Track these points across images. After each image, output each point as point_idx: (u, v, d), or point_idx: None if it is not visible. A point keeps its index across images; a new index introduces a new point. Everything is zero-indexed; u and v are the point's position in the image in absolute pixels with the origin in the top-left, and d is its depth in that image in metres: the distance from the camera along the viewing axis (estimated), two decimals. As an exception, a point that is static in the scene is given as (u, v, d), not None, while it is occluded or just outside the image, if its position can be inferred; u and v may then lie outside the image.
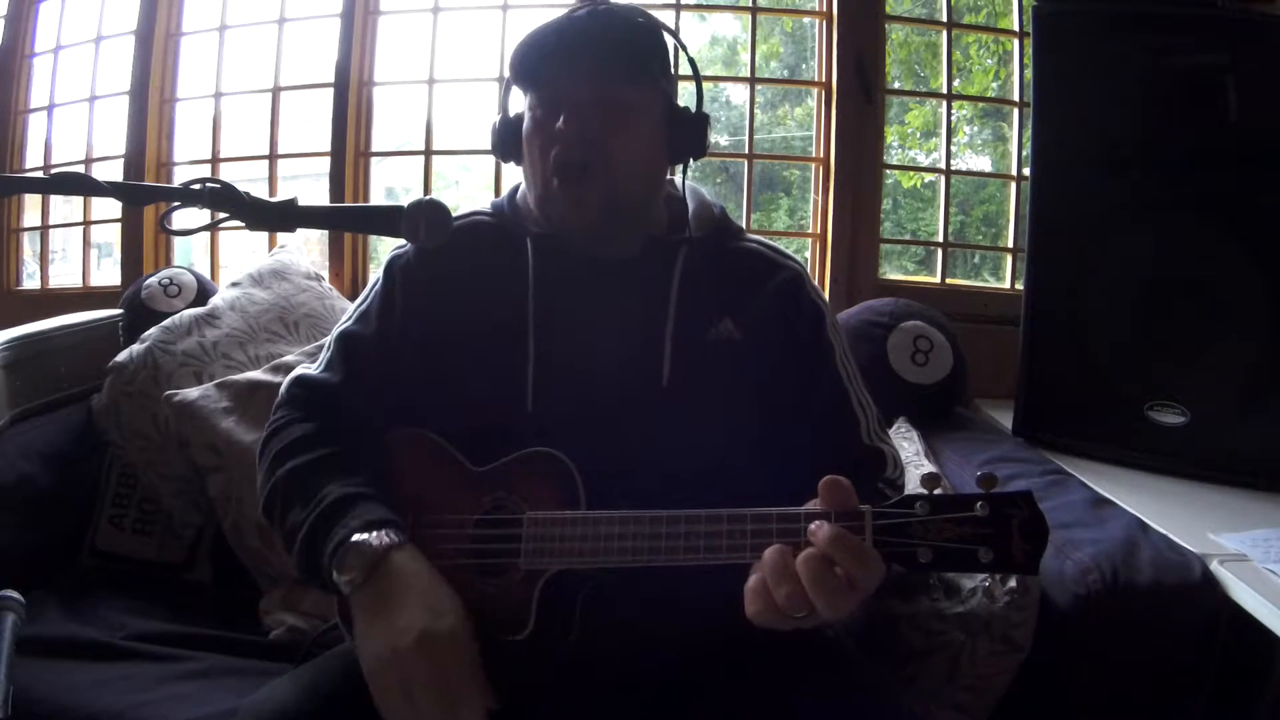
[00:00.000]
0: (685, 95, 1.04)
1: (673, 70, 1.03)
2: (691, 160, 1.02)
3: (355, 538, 0.83)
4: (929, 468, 1.40)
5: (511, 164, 1.02)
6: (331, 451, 0.94)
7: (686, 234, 1.01)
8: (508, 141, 1.00)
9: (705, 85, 1.06)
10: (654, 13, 1.02)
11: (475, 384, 0.96)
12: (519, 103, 1.01)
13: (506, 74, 1.00)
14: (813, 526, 0.72)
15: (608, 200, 0.94)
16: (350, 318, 1.05)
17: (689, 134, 0.99)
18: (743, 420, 0.96)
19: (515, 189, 1.08)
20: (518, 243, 1.00)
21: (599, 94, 0.93)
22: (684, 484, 0.85)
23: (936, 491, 0.73)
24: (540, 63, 0.95)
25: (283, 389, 1.03)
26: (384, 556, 0.83)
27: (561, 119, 0.92)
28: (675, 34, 1.04)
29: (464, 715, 0.79)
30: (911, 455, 1.44)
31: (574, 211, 0.94)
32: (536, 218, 1.02)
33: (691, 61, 1.05)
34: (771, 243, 1.07)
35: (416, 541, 0.89)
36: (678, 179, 1.06)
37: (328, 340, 1.05)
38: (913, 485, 1.20)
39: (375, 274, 1.06)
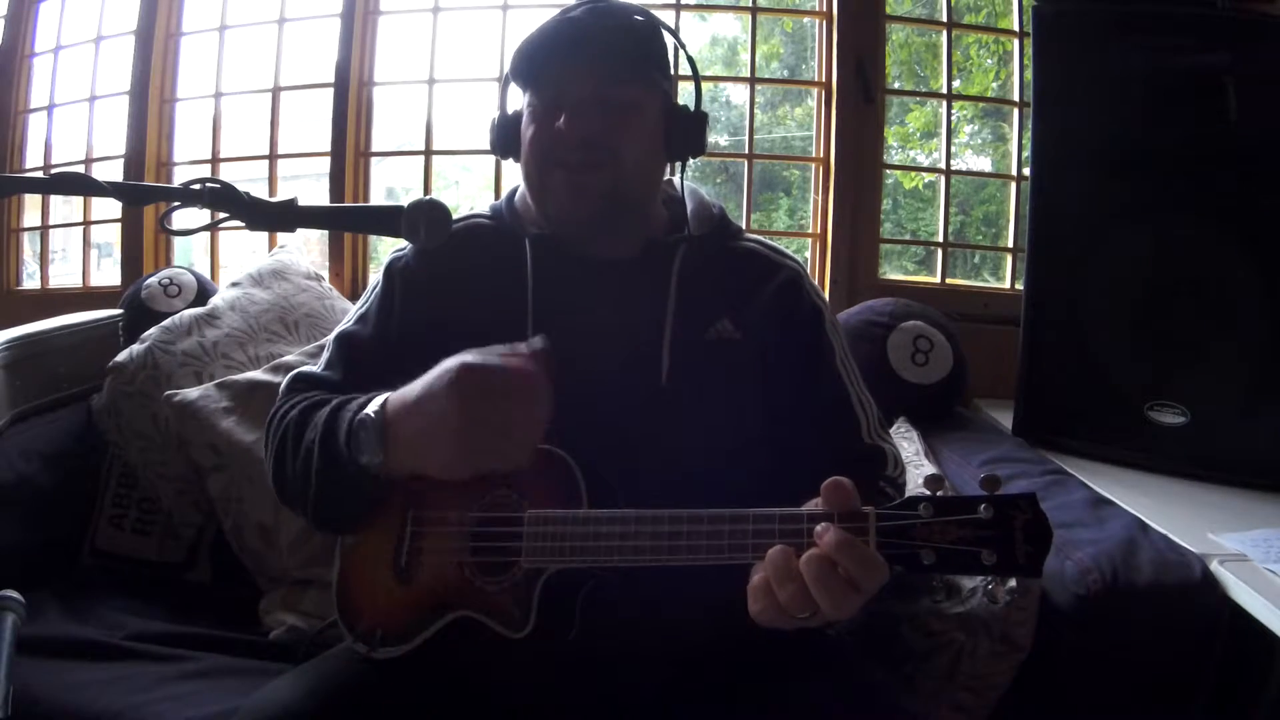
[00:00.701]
0: (685, 95, 1.04)
1: (672, 69, 1.03)
2: (691, 159, 1.02)
3: (359, 417, 0.84)
4: (929, 467, 1.40)
5: (511, 161, 1.02)
6: (329, 396, 0.94)
7: (685, 234, 1.01)
8: (507, 139, 1.00)
9: (705, 85, 1.06)
10: (654, 13, 1.02)
11: None
12: (517, 100, 1.01)
13: (507, 73, 1.00)
14: (818, 529, 0.72)
15: (608, 194, 0.94)
16: (350, 319, 1.05)
17: (688, 132, 1.00)
18: (743, 420, 0.96)
19: (514, 191, 1.08)
20: (516, 244, 1.01)
21: (599, 91, 0.94)
22: (685, 484, 0.85)
23: (940, 493, 0.73)
24: (541, 61, 0.95)
25: (283, 385, 1.03)
26: (384, 410, 0.83)
27: (563, 117, 0.93)
28: (674, 33, 1.04)
29: (536, 417, 0.79)
30: (911, 455, 1.44)
31: (574, 202, 0.95)
32: (535, 218, 1.02)
33: (691, 60, 1.05)
34: (771, 242, 1.07)
35: (415, 540, 0.89)
36: (676, 179, 1.06)
37: (328, 341, 1.06)
38: (914, 486, 1.20)
39: (375, 276, 1.06)
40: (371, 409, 0.84)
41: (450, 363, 0.80)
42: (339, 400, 0.90)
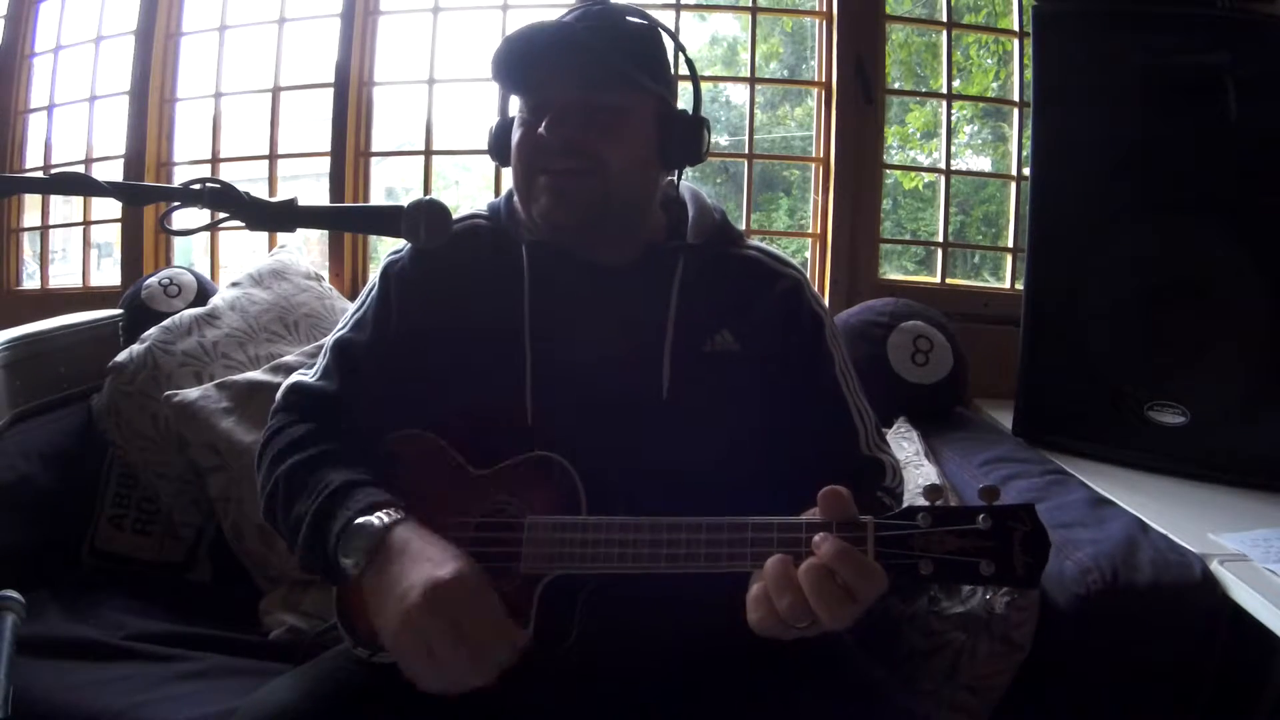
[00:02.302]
0: (686, 97, 1.03)
1: (671, 72, 1.02)
2: (689, 165, 1.01)
3: (357, 521, 0.83)
4: (929, 468, 1.40)
5: (508, 167, 1.02)
6: (331, 447, 0.94)
7: (685, 242, 1.01)
8: (502, 144, 1.00)
9: (705, 85, 1.05)
10: (654, 13, 1.00)
11: (472, 389, 0.96)
12: (516, 104, 1.01)
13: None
14: (817, 539, 0.71)
15: (595, 201, 0.93)
16: (345, 325, 1.04)
17: (684, 139, 0.98)
18: (742, 431, 0.96)
19: (512, 192, 1.07)
20: (513, 246, 1.00)
21: (584, 98, 0.92)
22: (684, 491, 0.85)
23: (939, 503, 0.73)
24: (524, 67, 0.94)
25: (279, 396, 1.02)
26: (385, 535, 0.82)
27: (544, 124, 0.92)
28: (674, 35, 1.03)
29: (489, 658, 0.77)
30: (911, 455, 1.44)
31: (557, 209, 0.93)
32: (528, 222, 1.01)
33: (690, 63, 1.04)
34: (772, 249, 1.06)
35: None
36: (680, 182, 1.06)
37: (324, 347, 1.05)
38: (913, 487, 1.20)
39: (370, 279, 1.06)
40: (376, 520, 0.83)
41: (438, 573, 0.78)
42: (343, 481, 0.88)
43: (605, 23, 0.96)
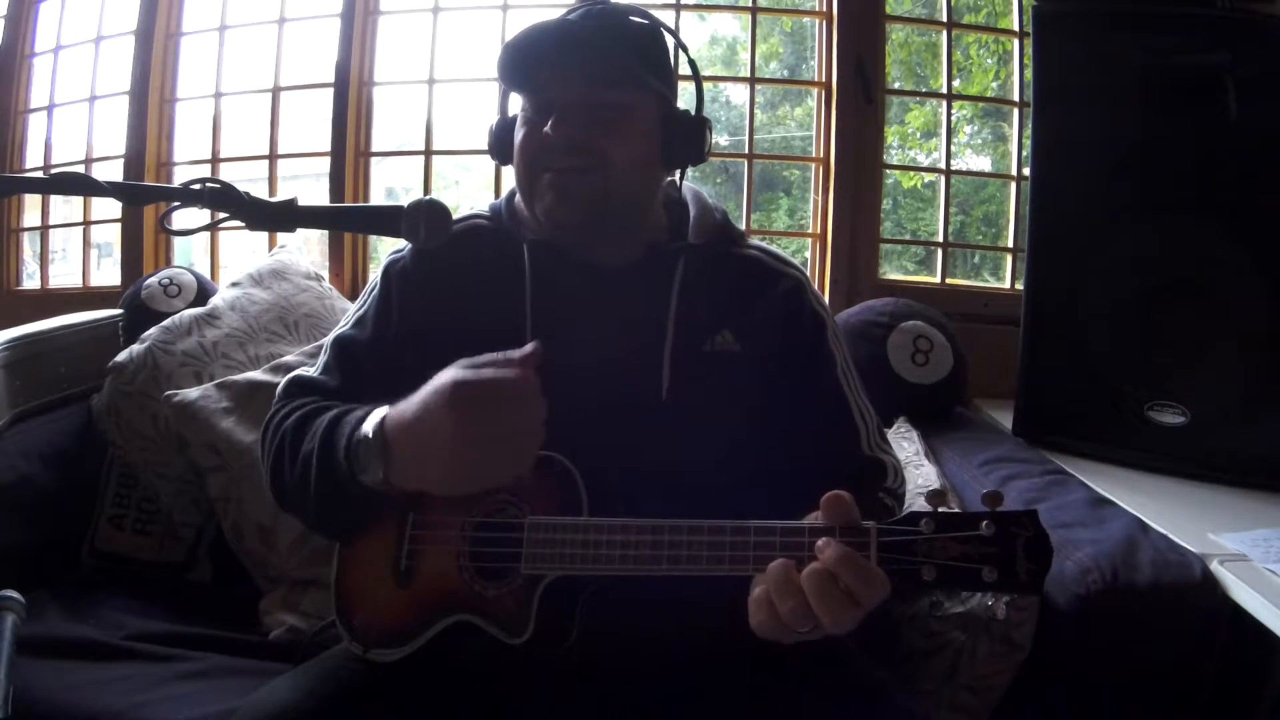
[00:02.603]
0: (687, 97, 1.03)
1: (673, 72, 1.02)
2: (691, 165, 1.01)
3: (357, 435, 0.83)
4: (929, 468, 1.40)
5: (509, 165, 1.02)
6: (327, 404, 0.94)
7: (687, 242, 1.01)
8: (502, 143, 1.00)
9: (705, 85, 1.05)
10: (654, 13, 1.01)
11: None
12: (517, 103, 1.01)
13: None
14: (820, 544, 0.71)
15: (597, 199, 0.93)
16: (347, 323, 1.04)
17: (686, 139, 0.98)
18: (742, 431, 0.96)
19: (513, 192, 1.07)
20: (515, 246, 1.00)
21: (588, 97, 0.92)
22: (684, 491, 0.85)
23: (942, 509, 0.73)
24: (529, 65, 0.94)
25: (279, 388, 1.02)
26: (383, 434, 0.82)
27: (550, 123, 0.92)
28: (677, 35, 1.03)
29: (536, 417, 0.78)
30: (911, 455, 1.44)
31: (561, 207, 0.94)
32: (530, 221, 1.01)
33: (692, 63, 1.04)
34: (773, 249, 1.06)
35: (416, 545, 0.89)
36: (678, 180, 1.06)
37: (324, 344, 1.05)
38: (912, 487, 1.20)
39: (372, 278, 1.06)
40: (369, 427, 0.83)
41: (443, 378, 0.80)
42: (336, 411, 0.89)
43: (609, 21, 0.96)
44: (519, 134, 0.96)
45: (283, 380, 1.04)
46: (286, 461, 0.91)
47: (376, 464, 0.81)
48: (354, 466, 0.83)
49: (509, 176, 1.01)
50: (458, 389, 0.78)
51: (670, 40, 1.02)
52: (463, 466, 0.78)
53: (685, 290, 0.97)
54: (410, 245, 1.03)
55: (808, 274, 1.05)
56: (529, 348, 0.80)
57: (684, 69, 1.06)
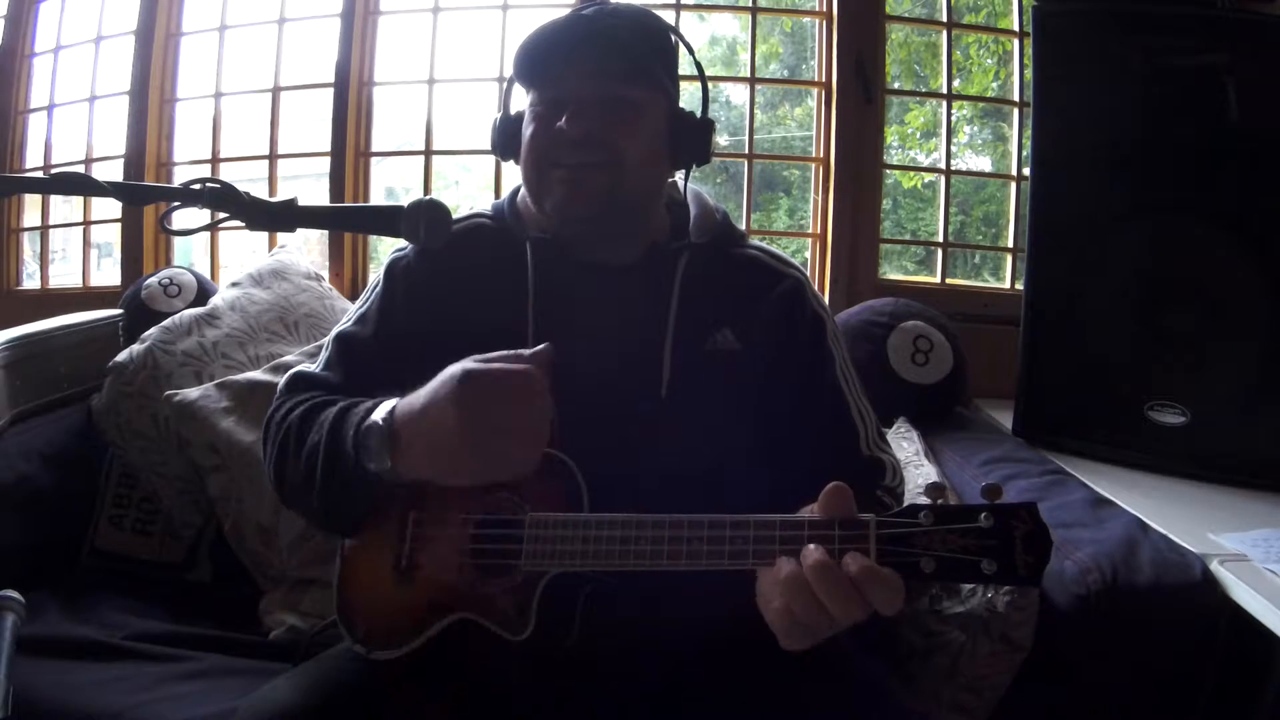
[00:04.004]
0: (690, 98, 1.03)
1: (678, 73, 1.03)
2: (695, 165, 1.02)
3: (366, 423, 0.83)
4: (929, 468, 1.40)
5: (511, 162, 1.02)
6: (331, 398, 0.94)
7: (688, 241, 1.01)
8: (508, 139, 1.00)
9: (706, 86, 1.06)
10: (654, 13, 1.01)
11: None
12: (520, 101, 1.01)
13: (508, 73, 1.00)
14: (846, 559, 0.70)
15: (606, 194, 0.93)
16: (350, 319, 1.04)
17: (692, 139, 0.99)
18: (742, 430, 0.96)
19: (515, 191, 1.07)
20: (518, 245, 1.00)
21: (603, 92, 0.93)
22: (684, 489, 0.85)
23: (940, 502, 0.73)
24: (546, 58, 0.94)
25: (282, 383, 1.02)
26: (391, 423, 0.82)
27: (565, 117, 0.92)
28: (683, 37, 1.03)
29: (543, 405, 0.79)
30: (911, 455, 1.44)
31: (572, 201, 0.94)
32: (536, 219, 1.01)
33: (699, 66, 1.05)
34: (774, 249, 1.06)
35: (416, 542, 0.89)
36: (680, 182, 1.06)
37: (326, 340, 1.05)
38: (913, 488, 1.20)
39: (375, 275, 1.06)
40: (379, 415, 0.83)
41: (453, 370, 0.80)
42: (344, 403, 0.89)
43: (626, 18, 0.97)
44: (528, 129, 0.97)
45: (284, 377, 1.04)
46: (291, 455, 0.91)
47: (384, 452, 0.82)
48: (361, 455, 0.83)
49: (509, 176, 1.01)
50: (468, 379, 0.79)
51: (675, 41, 1.03)
52: (469, 457, 0.79)
53: (686, 289, 0.98)
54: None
55: (807, 274, 1.05)
56: (541, 348, 0.81)
57: (685, 69, 1.06)
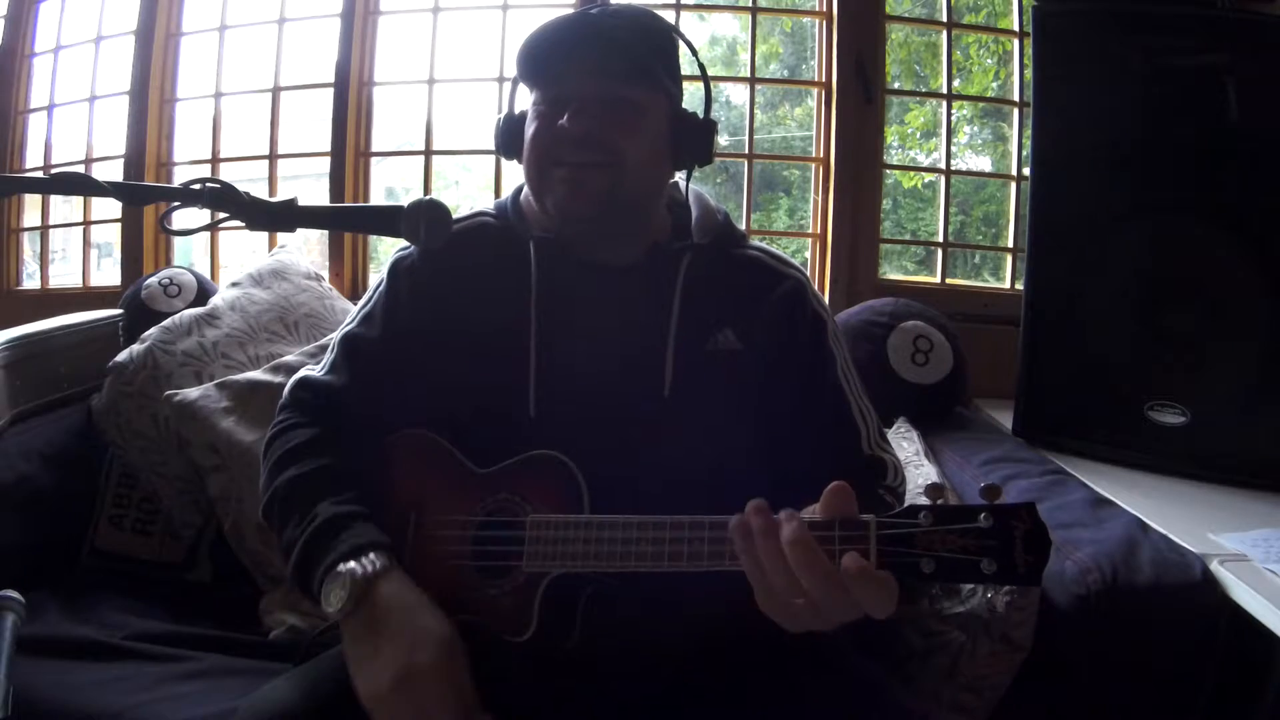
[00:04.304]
0: (692, 99, 1.04)
1: (679, 74, 1.03)
2: (697, 166, 1.02)
3: (340, 567, 0.83)
4: (929, 468, 1.40)
5: (514, 161, 1.02)
6: (330, 463, 0.93)
7: (690, 242, 1.01)
8: (511, 138, 1.00)
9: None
10: (655, 13, 1.01)
11: (477, 387, 0.96)
12: (524, 100, 1.01)
13: (508, 73, 1.00)
14: (846, 560, 0.70)
15: (608, 193, 0.93)
16: (354, 320, 1.04)
17: (694, 139, 0.99)
18: (743, 430, 0.96)
19: (518, 190, 1.07)
20: (521, 245, 1.00)
21: (606, 91, 0.93)
22: (686, 490, 0.85)
23: (940, 502, 0.73)
24: (547, 58, 0.94)
25: (286, 391, 1.02)
26: (369, 586, 0.82)
27: (567, 115, 0.92)
28: (684, 36, 1.03)
29: None
30: (911, 455, 1.44)
31: (574, 200, 0.94)
32: (539, 218, 1.01)
33: (702, 67, 1.05)
34: (775, 250, 1.06)
35: (418, 544, 0.89)
36: (681, 184, 1.06)
37: (331, 342, 1.05)
38: (913, 488, 1.20)
39: (378, 276, 1.06)
40: (366, 563, 0.83)
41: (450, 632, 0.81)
42: (333, 515, 0.87)
43: (630, 19, 0.97)
44: (530, 128, 0.97)
45: (288, 383, 1.03)
46: (274, 521, 0.92)
47: (347, 600, 0.82)
48: (324, 590, 0.83)
49: (509, 176, 1.01)
50: (408, 679, 0.78)
51: (678, 41, 1.03)
52: (391, 693, 0.79)
53: (688, 290, 0.98)
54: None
55: (808, 275, 1.05)
56: None
57: (687, 69, 1.06)
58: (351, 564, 0.83)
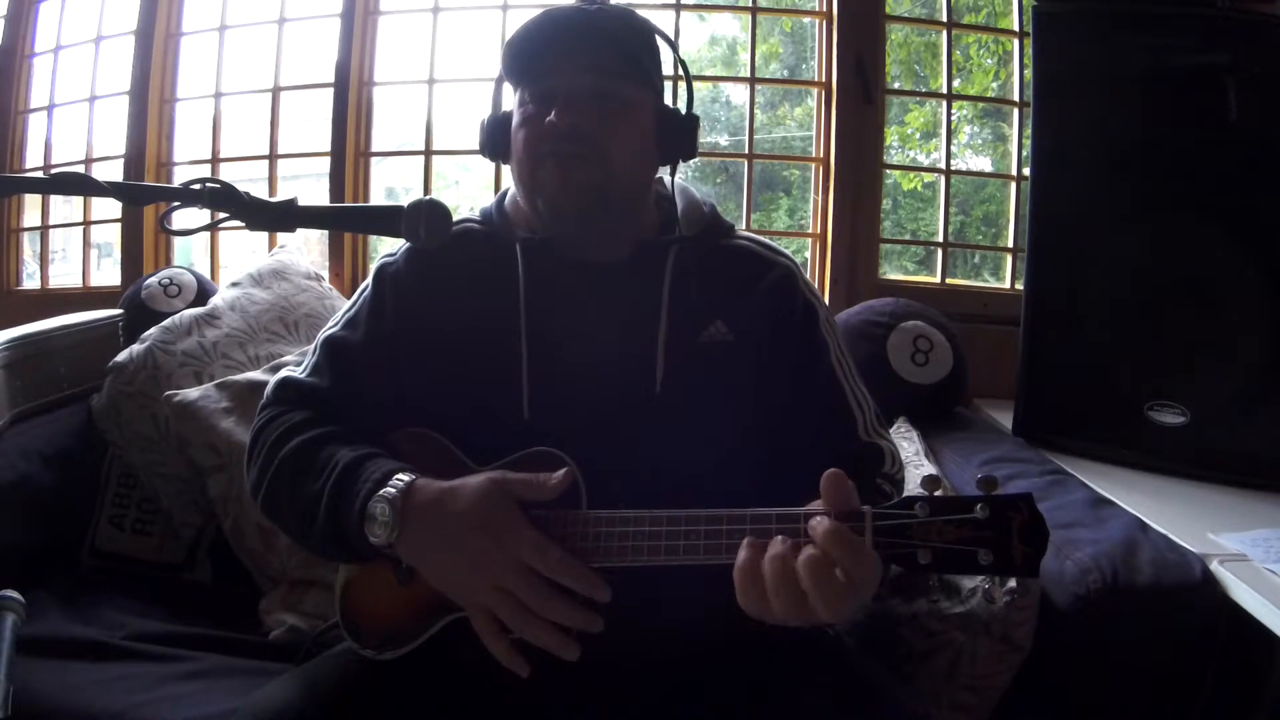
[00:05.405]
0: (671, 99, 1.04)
1: (663, 72, 1.03)
2: (682, 160, 1.02)
3: (371, 503, 0.83)
4: (929, 468, 1.40)
5: (500, 162, 1.02)
6: (333, 428, 0.94)
7: (677, 235, 1.01)
8: (497, 139, 1.00)
9: (705, 85, 1.06)
10: (654, 13, 1.02)
11: (469, 389, 0.96)
12: (509, 102, 1.01)
13: (500, 73, 1.00)
14: (813, 522, 0.71)
15: (597, 189, 0.93)
16: (336, 324, 1.03)
17: (679, 135, 1.00)
18: (738, 421, 0.96)
19: (503, 195, 1.08)
20: (507, 248, 1.00)
21: (593, 87, 0.93)
22: (682, 484, 0.85)
23: (937, 493, 0.73)
24: (536, 53, 0.95)
25: (269, 390, 1.02)
26: (404, 503, 0.82)
27: (555, 110, 0.92)
28: (666, 36, 1.04)
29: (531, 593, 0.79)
30: (911, 455, 1.44)
31: (563, 194, 0.94)
32: (526, 220, 1.02)
33: (683, 64, 1.06)
34: (763, 239, 1.07)
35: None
36: (667, 180, 1.06)
37: (313, 345, 1.04)
38: (912, 487, 1.20)
39: (364, 281, 1.06)
40: (393, 487, 0.83)
41: (479, 489, 0.82)
42: (353, 455, 0.88)
43: (617, 15, 0.97)
44: (519, 125, 0.97)
45: (270, 382, 1.03)
46: (284, 486, 0.91)
47: (392, 528, 0.82)
48: (366, 523, 0.83)
49: (509, 176, 1.01)
50: (488, 513, 0.81)
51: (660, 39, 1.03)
52: (465, 584, 0.81)
53: (677, 282, 0.98)
54: (403, 248, 1.03)
55: (797, 263, 1.05)
56: (562, 474, 0.82)
57: (669, 68, 1.06)
58: (382, 490, 0.83)
